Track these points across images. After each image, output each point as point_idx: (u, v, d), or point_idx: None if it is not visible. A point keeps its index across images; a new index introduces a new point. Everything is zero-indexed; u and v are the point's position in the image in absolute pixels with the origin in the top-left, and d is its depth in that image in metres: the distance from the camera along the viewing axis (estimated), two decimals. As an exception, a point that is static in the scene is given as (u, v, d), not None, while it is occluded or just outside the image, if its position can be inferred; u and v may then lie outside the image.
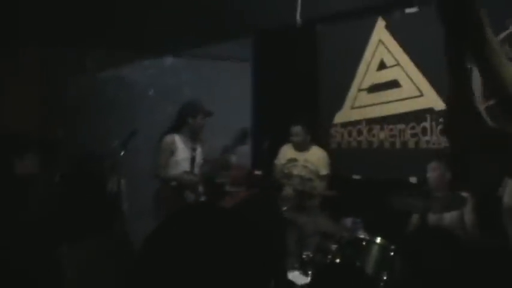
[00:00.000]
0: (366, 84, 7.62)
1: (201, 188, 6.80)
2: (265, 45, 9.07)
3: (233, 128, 6.97)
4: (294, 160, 7.36)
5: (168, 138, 6.72)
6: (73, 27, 8.71)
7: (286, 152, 7.45)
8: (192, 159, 6.79)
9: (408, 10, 7.02)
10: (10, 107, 9.05)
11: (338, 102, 7.95)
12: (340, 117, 7.97)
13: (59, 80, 9.87)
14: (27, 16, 8.39)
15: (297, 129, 7.28)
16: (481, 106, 6.07)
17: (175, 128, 6.79)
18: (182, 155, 6.72)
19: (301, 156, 7.32)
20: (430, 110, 6.91)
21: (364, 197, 7.11)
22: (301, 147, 7.32)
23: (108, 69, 10.57)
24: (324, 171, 7.25)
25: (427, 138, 6.96)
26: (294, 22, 7.61)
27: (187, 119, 6.76)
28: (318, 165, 7.25)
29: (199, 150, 6.84)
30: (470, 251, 5.15)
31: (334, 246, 5.70)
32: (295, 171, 7.30)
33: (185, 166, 6.74)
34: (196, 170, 6.79)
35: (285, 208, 6.63)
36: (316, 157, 7.31)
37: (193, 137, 6.81)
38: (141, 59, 10.54)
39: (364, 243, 5.53)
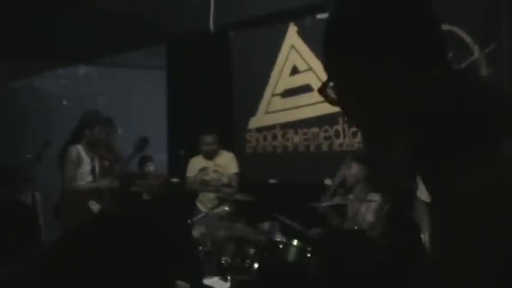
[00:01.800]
0: (280, 89, 7.70)
1: (107, 197, 6.70)
2: (179, 52, 9.07)
3: (149, 136, 6.93)
4: (204, 169, 7.43)
5: (73, 150, 6.61)
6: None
7: (196, 163, 7.50)
8: (93, 171, 6.71)
9: (319, 16, 7.12)
10: None
11: (252, 108, 8.01)
12: (254, 123, 8.03)
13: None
14: None
15: (208, 138, 7.36)
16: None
17: (76, 139, 6.71)
18: (86, 167, 6.65)
19: (210, 163, 7.41)
20: (342, 113, 7.02)
21: (281, 201, 7.19)
22: (210, 155, 7.40)
23: (20, 79, 10.37)
24: (233, 169, 7.36)
25: (340, 140, 7.10)
26: (207, 29, 7.64)
27: (84, 131, 6.68)
28: (226, 166, 7.36)
29: (98, 160, 6.75)
30: (381, 249, 5.30)
31: (252, 251, 5.75)
32: (208, 178, 7.37)
33: (88, 178, 6.66)
34: (98, 181, 6.70)
35: (201, 215, 6.67)
36: (224, 159, 7.41)
37: (92, 148, 6.72)
38: (54, 68, 10.38)
39: (281, 246, 5.61)
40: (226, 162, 7.42)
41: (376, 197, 5.93)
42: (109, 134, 6.98)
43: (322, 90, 1.45)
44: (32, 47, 9.01)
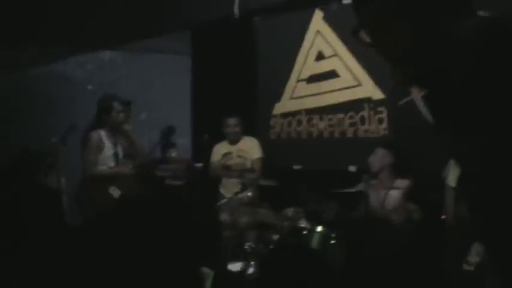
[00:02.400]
0: (305, 74, 7.65)
1: (128, 183, 6.67)
2: (204, 38, 9.03)
3: (172, 121, 6.92)
4: (228, 154, 7.45)
5: (95, 134, 6.57)
6: (9, 24, 8.54)
7: (220, 148, 7.52)
8: (116, 155, 6.68)
9: (345, 1, 7.06)
10: None
11: (277, 93, 7.97)
12: (279, 108, 7.99)
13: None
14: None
15: (231, 120, 7.38)
16: (417, 95, 6.12)
17: (98, 124, 6.67)
18: (108, 152, 6.60)
19: (234, 148, 7.41)
20: (368, 100, 7.00)
21: (305, 187, 7.15)
22: (234, 139, 7.42)
23: (46, 65, 10.41)
24: (257, 154, 7.35)
25: (365, 127, 7.05)
26: (232, 14, 7.60)
27: (102, 115, 6.64)
28: (250, 151, 7.36)
29: (120, 145, 6.72)
30: (404, 236, 5.25)
31: (275, 237, 5.74)
32: (231, 163, 7.37)
33: (110, 163, 6.63)
34: (119, 166, 6.67)
35: (224, 200, 6.66)
36: (247, 144, 7.40)
37: (114, 132, 6.67)
38: (79, 53, 10.41)
39: (305, 232, 5.58)
40: (250, 147, 7.41)
41: (401, 184, 5.87)
42: (127, 117, 6.95)
43: (355, 34, 1.47)
44: (57, 32, 9.03)
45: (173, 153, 8.19)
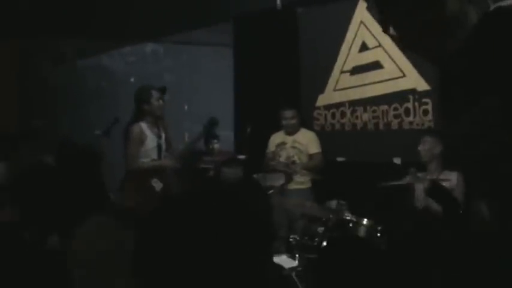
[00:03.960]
0: (348, 66, 7.60)
1: (170, 175, 6.65)
2: (246, 29, 9.02)
3: (215, 114, 6.91)
4: (282, 144, 7.44)
5: (136, 127, 6.46)
6: (52, 17, 8.62)
7: (275, 138, 7.53)
8: (159, 147, 6.64)
9: (389, -9, 6.98)
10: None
11: (320, 85, 7.94)
12: (323, 100, 7.96)
13: (39, 69, 9.78)
14: (6, 6, 8.30)
15: (288, 113, 7.36)
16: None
17: (138, 117, 6.55)
18: (151, 144, 6.51)
19: (289, 139, 7.39)
20: (412, 91, 6.92)
21: (349, 179, 7.12)
22: (291, 131, 7.38)
23: (89, 57, 10.50)
24: (314, 149, 7.35)
25: (410, 119, 6.97)
26: (274, 5, 7.58)
27: (142, 106, 6.52)
28: (307, 145, 7.34)
29: (163, 136, 6.69)
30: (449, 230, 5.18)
31: (320, 229, 5.70)
32: (284, 154, 7.36)
33: (153, 155, 6.61)
34: (163, 157, 6.66)
35: (271, 191, 6.63)
36: (304, 137, 7.38)
37: (156, 123, 6.59)
38: (121, 46, 10.48)
39: (351, 225, 5.54)
40: (307, 141, 7.39)
41: (451, 176, 5.78)
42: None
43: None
44: (99, 25, 9.10)
45: (216, 145, 8.20)
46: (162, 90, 6.69)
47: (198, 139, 6.73)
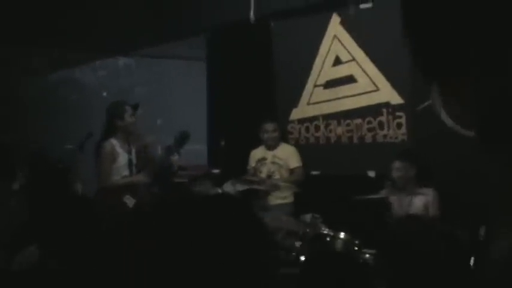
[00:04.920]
0: (322, 80, 7.62)
1: (142, 191, 6.56)
2: (219, 43, 9.02)
3: (188, 127, 6.88)
4: (263, 159, 7.44)
5: (108, 145, 6.38)
6: (23, 27, 8.54)
7: (255, 154, 7.53)
8: (130, 163, 6.56)
9: (363, 5, 7.04)
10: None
11: (294, 99, 7.95)
12: (296, 114, 7.97)
13: (8, 81, 9.67)
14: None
15: (271, 125, 7.37)
16: (436, 99, 6.10)
17: (109, 133, 6.48)
18: (122, 161, 6.43)
19: (269, 154, 7.39)
20: (386, 104, 6.97)
21: (324, 192, 7.14)
22: (271, 145, 7.41)
23: (60, 70, 10.41)
24: (294, 163, 7.38)
25: (384, 132, 7.02)
26: (247, 19, 7.59)
27: (115, 122, 6.44)
28: (287, 159, 7.35)
29: (133, 151, 6.60)
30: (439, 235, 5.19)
31: (298, 243, 5.70)
32: (265, 169, 7.36)
33: (125, 171, 6.53)
34: (134, 173, 6.58)
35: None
36: (284, 152, 7.39)
37: (127, 139, 6.50)
38: (93, 59, 10.41)
39: (328, 239, 5.55)
40: (288, 155, 7.41)
41: (427, 192, 5.84)
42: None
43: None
44: (71, 38, 9.04)
45: (175, 157, 8.07)
46: (135, 107, 6.64)
47: (169, 153, 6.66)
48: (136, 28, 8.76)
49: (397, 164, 6.06)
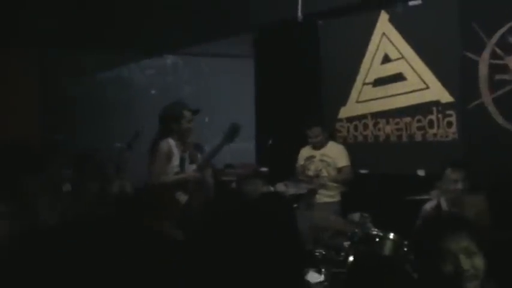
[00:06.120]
0: (371, 78, 7.57)
1: (193, 188, 6.47)
2: (267, 41, 9.01)
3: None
4: (311, 157, 7.41)
5: (165, 144, 6.18)
6: (72, 28, 8.66)
7: (304, 152, 7.51)
8: (182, 162, 6.45)
9: (412, 2, 6.97)
10: (8, 110, 8.98)
11: (342, 97, 7.91)
12: (345, 112, 7.93)
13: (58, 81, 9.82)
14: (26, 17, 8.34)
15: (315, 131, 7.32)
16: (487, 97, 6.03)
17: (165, 133, 6.26)
18: (176, 161, 6.29)
19: (317, 152, 7.37)
20: (436, 103, 6.88)
21: (372, 191, 7.10)
22: (318, 145, 7.35)
23: (108, 70, 10.53)
24: (343, 162, 7.32)
25: (434, 131, 6.94)
26: (295, 17, 7.56)
27: (171, 125, 6.22)
28: (335, 158, 7.31)
29: (187, 153, 6.48)
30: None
31: (346, 243, 5.66)
32: (313, 167, 7.34)
33: (177, 170, 6.47)
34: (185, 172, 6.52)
35: (295, 205, 6.58)
36: (333, 150, 7.36)
37: (182, 142, 6.29)
38: (141, 59, 10.50)
39: (377, 240, 5.50)
40: (336, 154, 7.36)
41: (478, 198, 5.74)
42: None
43: None
44: (119, 38, 9.13)
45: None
46: (195, 112, 6.36)
47: (219, 148, 6.52)
48: (183, 26, 8.80)
49: (449, 172, 5.90)
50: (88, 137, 9.64)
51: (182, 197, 6.37)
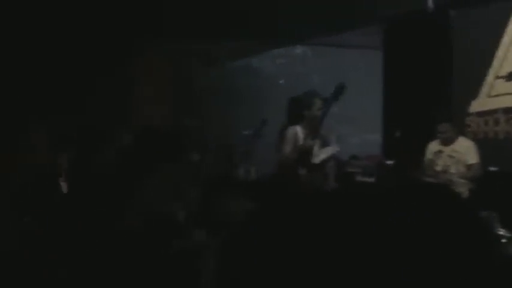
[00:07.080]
0: (504, 71, 7.29)
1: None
2: (397, 32, 8.86)
3: (363, 117, 6.83)
4: (439, 152, 7.22)
5: (292, 130, 6.69)
6: (202, 19, 8.87)
7: (433, 146, 7.33)
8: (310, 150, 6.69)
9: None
10: (142, 99, 9.36)
11: (474, 90, 7.66)
12: (476, 106, 7.68)
13: (189, 71, 10.10)
14: (159, 10, 8.61)
15: (444, 126, 7.14)
16: None
17: (295, 120, 6.76)
18: None
19: (446, 148, 7.18)
20: None
21: (501, 190, 6.85)
22: (447, 141, 7.17)
23: (238, 59, 10.70)
24: (472, 159, 7.06)
25: None
26: (425, 7, 7.40)
27: (302, 112, 6.65)
28: (464, 154, 7.07)
29: (317, 143, 6.66)
30: None
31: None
32: (441, 162, 7.14)
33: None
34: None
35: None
36: (462, 147, 7.13)
37: (312, 130, 6.57)
38: (271, 48, 10.61)
39: (504, 241, 5.32)
40: (465, 150, 7.13)
41: None
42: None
43: None
44: (250, 28, 9.25)
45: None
46: (325, 101, 6.63)
47: (328, 108, 6.58)
48: (313, 17, 8.80)
49: None
50: (218, 125, 9.89)
51: (302, 171, 6.56)
